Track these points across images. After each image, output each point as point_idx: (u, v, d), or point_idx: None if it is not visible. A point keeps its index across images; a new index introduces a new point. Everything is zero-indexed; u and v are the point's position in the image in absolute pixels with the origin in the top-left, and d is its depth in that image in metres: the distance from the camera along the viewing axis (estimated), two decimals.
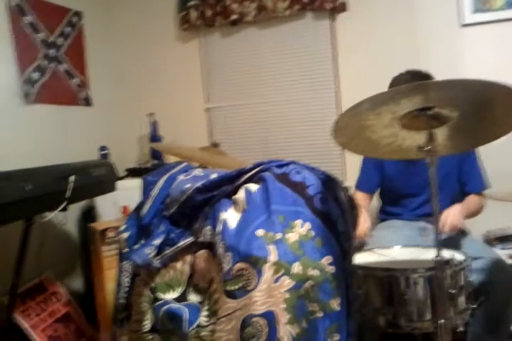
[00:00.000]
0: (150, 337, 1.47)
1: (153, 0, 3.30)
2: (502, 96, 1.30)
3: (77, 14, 3.02)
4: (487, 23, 2.70)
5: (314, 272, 1.28)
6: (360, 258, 1.73)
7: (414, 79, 2.11)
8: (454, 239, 2.06)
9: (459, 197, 2.22)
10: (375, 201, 2.48)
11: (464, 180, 2.23)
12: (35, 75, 2.64)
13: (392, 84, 2.18)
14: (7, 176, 1.66)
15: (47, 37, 2.76)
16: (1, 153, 2.36)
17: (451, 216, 1.97)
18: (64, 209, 1.89)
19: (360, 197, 2.38)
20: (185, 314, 1.37)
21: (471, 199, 2.19)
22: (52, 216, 1.91)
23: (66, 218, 2.44)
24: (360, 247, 2.05)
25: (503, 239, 2.52)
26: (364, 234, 2.11)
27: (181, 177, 1.59)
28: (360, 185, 2.42)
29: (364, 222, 2.14)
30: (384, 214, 2.40)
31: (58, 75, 2.83)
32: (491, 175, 2.26)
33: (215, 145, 2.85)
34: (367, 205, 2.39)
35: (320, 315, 1.27)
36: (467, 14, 2.72)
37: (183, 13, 3.14)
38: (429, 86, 1.31)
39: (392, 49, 2.86)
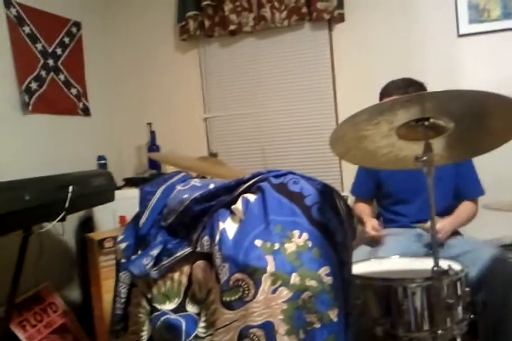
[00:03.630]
0: None
1: (152, 10, 3.32)
2: (498, 107, 1.31)
3: (76, 24, 3.04)
4: (483, 34, 2.73)
5: (312, 283, 1.27)
6: (357, 268, 1.73)
7: (406, 84, 2.16)
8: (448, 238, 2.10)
9: (453, 201, 2.23)
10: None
11: (460, 186, 2.24)
12: (34, 85, 2.65)
13: (385, 88, 2.22)
14: (6, 186, 1.66)
15: (46, 47, 2.78)
16: (0, 162, 2.36)
17: (439, 230, 2.01)
18: (62, 220, 1.89)
19: (361, 207, 2.40)
20: (183, 325, 1.37)
21: (464, 208, 2.21)
22: (51, 226, 1.91)
23: (64, 228, 2.44)
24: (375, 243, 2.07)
25: None
26: (373, 228, 2.11)
27: (179, 187, 1.59)
28: (354, 190, 2.45)
29: (369, 220, 2.14)
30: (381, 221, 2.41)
31: (57, 85, 2.84)
32: (487, 184, 2.27)
33: (213, 154, 2.85)
34: (370, 213, 2.40)
35: (318, 325, 1.27)
36: (464, 24, 2.74)
37: (181, 23, 3.15)
38: (426, 96, 1.32)
39: (389, 59, 2.87)
